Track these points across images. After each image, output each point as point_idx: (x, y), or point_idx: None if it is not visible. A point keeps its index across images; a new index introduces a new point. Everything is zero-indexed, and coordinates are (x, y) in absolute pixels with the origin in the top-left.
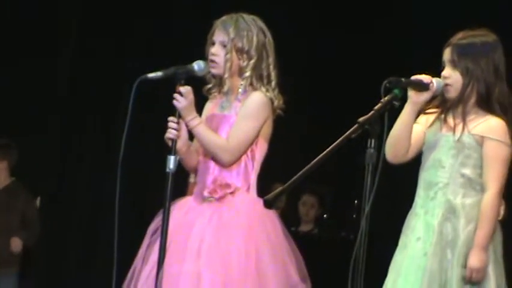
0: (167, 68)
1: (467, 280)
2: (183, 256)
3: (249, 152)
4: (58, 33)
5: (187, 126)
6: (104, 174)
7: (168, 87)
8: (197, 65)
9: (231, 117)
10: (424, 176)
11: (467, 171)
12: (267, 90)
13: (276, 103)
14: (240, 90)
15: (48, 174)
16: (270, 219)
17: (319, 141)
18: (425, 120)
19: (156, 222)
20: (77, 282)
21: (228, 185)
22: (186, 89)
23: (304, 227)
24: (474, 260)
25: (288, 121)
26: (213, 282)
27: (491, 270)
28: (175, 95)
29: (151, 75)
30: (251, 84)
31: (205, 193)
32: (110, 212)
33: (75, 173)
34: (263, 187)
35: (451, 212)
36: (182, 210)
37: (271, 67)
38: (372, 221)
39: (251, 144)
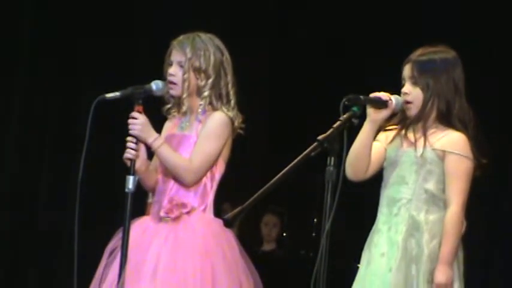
0: (125, 88)
1: None
2: (139, 276)
3: (208, 173)
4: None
5: (150, 147)
6: (63, 194)
7: (127, 107)
8: (155, 85)
9: (191, 137)
10: (386, 193)
11: (430, 186)
12: (228, 110)
13: (236, 122)
14: (199, 110)
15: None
16: (227, 239)
17: (275, 159)
18: (384, 137)
19: (114, 241)
20: None
21: (184, 205)
22: (135, 114)
23: (267, 247)
24: (440, 276)
25: (242, 140)
26: None
27: (457, 287)
28: (129, 121)
29: (109, 95)
30: (210, 103)
31: (162, 213)
32: (69, 232)
33: (35, 191)
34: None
35: (414, 228)
36: (139, 230)
37: (230, 85)
38: (332, 238)
39: (213, 164)
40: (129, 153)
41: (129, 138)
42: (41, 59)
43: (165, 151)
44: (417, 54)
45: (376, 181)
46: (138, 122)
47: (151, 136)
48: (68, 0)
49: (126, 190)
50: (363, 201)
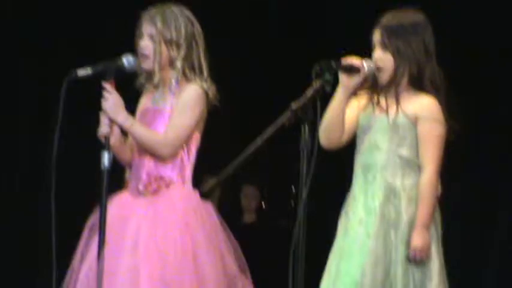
0: (96, 64)
1: (411, 260)
2: (119, 252)
3: (184, 145)
4: None
5: (121, 128)
6: (38, 174)
7: (99, 83)
8: (126, 60)
9: (165, 111)
10: (360, 160)
11: (404, 152)
12: (201, 81)
13: (210, 94)
14: (173, 81)
15: None
16: (206, 211)
17: (250, 128)
18: (356, 103)
19: (93, 219)
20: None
21: (162, 178)
22: (109, 87)
23: (247, 218)
24: (417, 240)
25: (216, 110)
26: (151, 276)
27: (434, 250)
28: (103, 94)
29: (80, 72)
30: (184, 75)
31: (140, 187)
32: (46, 211)
33: (8, 172)
34: (194, 179)
35: (391, 194)
36: (118, 206)
37: (202, 57)
38: (310, 207)
39: (189, 137)
40: (103, 129)
41: (102, 115)
42: None
43: (137, 129)
44: (386, 18)
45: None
46: (110, 99)
47: (121, 116)
48: None
49: (102, 167)
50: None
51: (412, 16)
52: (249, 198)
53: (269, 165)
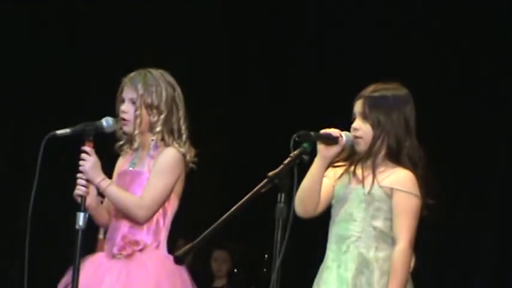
0: (75, 124)
1: None
2: None
3: (161, 209)
4: None
5: (97, 188)
6: (15, 229)
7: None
8: (106, 122)
9: (143, 174)
10: (335, 230)
11: (379, 224)
12: (179, 145)
13: (188, 157)
14: (151, 145)
15: None
16: (180, 276)
17: (227, 195)
18: (333, 173)
19: (67, 278)
20: None
21: (136, 242)
22: (90, 149)
23: (218, 283)
24: None
25: (194, 176)
26: None
27: None
28: (82, 156)
29: (59, 132)
30: (162, 139)
31: (115, 250)
32: (20, 269)
33: None
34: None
35: (364, 265)
36: (92, 267)
37: (182, 121)
38: (283, 274)
39: (165, 200)
40: (79, 190)
41: (79, 175)
42: None
43: (113, 191)
44: (369, 90)
45: (327, 217)
46: (89, 160)
47: (99, 176)
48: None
49: (77, 227)
50: (314, 237)
51: (395, 89)
52: (220, 262)
53: (241, 231)
